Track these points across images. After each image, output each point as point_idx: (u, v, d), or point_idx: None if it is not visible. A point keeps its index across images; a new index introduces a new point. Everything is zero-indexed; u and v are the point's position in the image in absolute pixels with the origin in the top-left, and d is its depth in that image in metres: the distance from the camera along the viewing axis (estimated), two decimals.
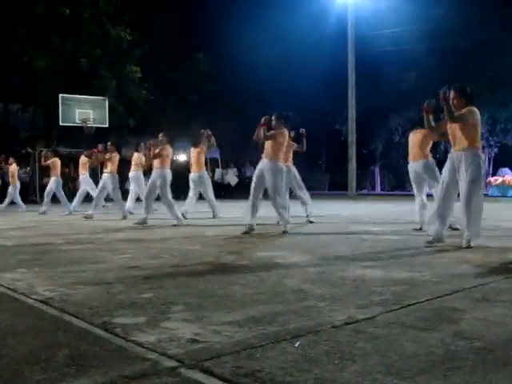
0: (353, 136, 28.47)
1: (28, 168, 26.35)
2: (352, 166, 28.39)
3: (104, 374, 2.44)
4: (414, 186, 9.47)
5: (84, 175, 16.59)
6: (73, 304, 3.80)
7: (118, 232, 9.70)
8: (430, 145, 9.35)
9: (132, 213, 14.13)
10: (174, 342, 2.87)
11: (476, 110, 6.94)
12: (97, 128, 25.92)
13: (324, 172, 46.84)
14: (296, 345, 2.79)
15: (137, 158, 15.35)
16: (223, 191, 29.61)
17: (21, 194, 23.87)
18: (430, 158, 9.26)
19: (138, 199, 15.30)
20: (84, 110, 25.41)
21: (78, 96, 25.50)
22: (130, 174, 15.56)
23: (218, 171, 30.55)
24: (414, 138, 9.37)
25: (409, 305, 3.65)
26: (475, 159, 6.74)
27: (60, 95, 24.83)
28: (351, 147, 28.52)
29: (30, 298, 4.06)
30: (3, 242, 8.19)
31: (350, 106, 28.35)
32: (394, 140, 37.19)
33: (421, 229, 8.98)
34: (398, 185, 39.71)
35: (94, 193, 15.38)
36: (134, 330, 3.10)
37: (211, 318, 3.37)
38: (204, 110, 31.37)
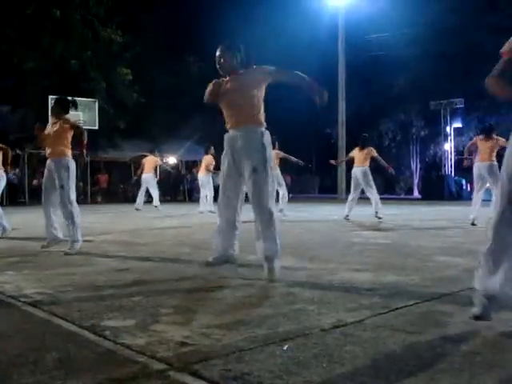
0: (343, 140, 28.57)
1: (17, 170, 26.26)
2: (342, 169, 28.46)
3: (93, 377, 2.44)
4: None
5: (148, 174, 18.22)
6: (62, 307, 3.80)
7: (107, 234, 9.68)
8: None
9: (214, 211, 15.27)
10: (163, 345, 2.88)
11: None
12: (87, 130, 25.83)
13: (314, 175, 46.96)
14: (284, 348, 2.80)
15: (208, 160, 16.90)
16: (214, 194, 29.58)
17: (10, 195, 23.72)
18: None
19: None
20: (74, 112, 25.13)
21: (67, 98, 25.41)
22: (200, 177, 17.30)
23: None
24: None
25: (397, 308, 3.66)
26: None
27: (50, 97, 24.71)
28: (341, 151, 28.60)
29: (18, 301, 4.04)
30: None
31: (340, 110, 28.44)
32: (384, 144, 37.32)
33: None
34: (388, 189, 39.83)
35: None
36: (123, 333, 3.10)
37: (200, 320, 3.38)
38: (195, 113, 31.36)
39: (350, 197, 12.93)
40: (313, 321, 3.36)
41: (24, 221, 13.22)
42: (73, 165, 7.42)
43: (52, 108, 7.80)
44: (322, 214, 15.71)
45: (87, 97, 25.98)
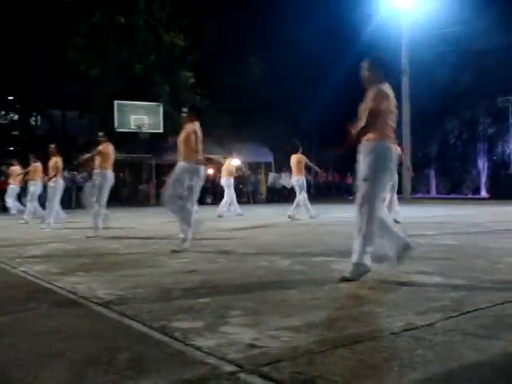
0: (407, 141, 28.12)
1: (85, 173, 26.87)
2: (407, 169, 28.04)
3: (164, 377, 2.48)
4: None
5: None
6: (132, 308, 3.87)
7: (173, 237, 9.79)
8: None
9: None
10: (232, 347, 2.90)
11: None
12: (151, 133, 26.29)
13: None
14: (354, 351, 2.78)
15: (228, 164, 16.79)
16: (276, 196, 29.67)
17: (78, 198, 24.30)
18: None
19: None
20: (139, 116, 25.83)
21: (132, 102, 25.93)
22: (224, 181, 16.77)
23: (272, 175, 30.61)
24: None
25: (468, 312, 3.58)
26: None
27: (115, 102, 25.30)
28: (406, 152, 28.16)
29: (90, 302, 4.15)
30: (63, 246, 8.39)
31: (403, 109, 28.01)
32: (450, 142, 36.57)
33: None
34: (454, 188, 38.98)
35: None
36: (193, 334, 3.14)
37: (269, 322, 3.39)
38: (257, 115, 31.47)
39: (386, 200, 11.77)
40: (382, 324, 3.32)
41: (88, 223, 13.48)
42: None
43: (187, 116, 7.91)
44: None
45: (151, 101, 26.43)
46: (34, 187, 14.89)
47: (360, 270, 4.80)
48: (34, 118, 32.88)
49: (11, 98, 30.67)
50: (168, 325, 3.37)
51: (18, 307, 4.05)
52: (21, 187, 17.04)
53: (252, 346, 2.92)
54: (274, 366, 2.58)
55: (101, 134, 10.62)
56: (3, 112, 31.10)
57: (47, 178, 13.01)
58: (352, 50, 31.18)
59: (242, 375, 2.49)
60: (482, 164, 38.30)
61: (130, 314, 3.67)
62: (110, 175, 10.26)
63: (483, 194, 35.07)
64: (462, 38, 30.14)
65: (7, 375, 2.59)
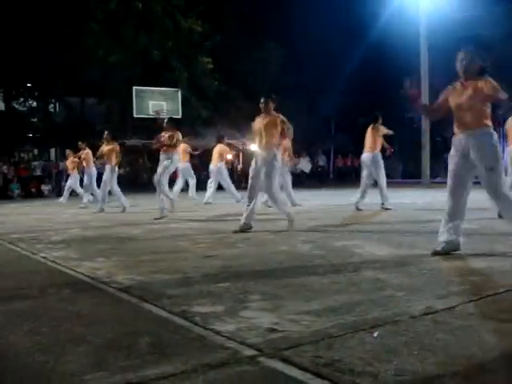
0: (426, 123, 27.88)
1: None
2: (425, 153, 27.82)
3: (185, 361, 2.48)
4: None
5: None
6: (152, 293, 3.88)
7: (193, 222, 9.83)
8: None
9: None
10: (252, 331, 2.90)
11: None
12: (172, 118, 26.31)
13: (397, 160, 46.21)
14: (375, 335, 2.77)
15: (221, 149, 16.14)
16: (294, 180, 29.62)
17: (98, 184, 24.61)
18: None
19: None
20: (157, 102, 25.80)
21: (151, 88, 25.93)
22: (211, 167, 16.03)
23: None
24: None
25: (488, 295, 3.56)
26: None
27: (134, 88, 25.31)
28: (424, 135, 27.95)
29: (110, 287, 4.17)
30: (82, 232, 8.44)
31: (423, 93, 27.77)
32: None
33: None
34: None
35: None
36: (213, 319, 3.15)
37: (289, 307, 3.38)
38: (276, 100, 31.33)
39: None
40: (402, 307, 3.30)
41: (110, 209, 13.57)
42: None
43: (264, 106, 8.44)
44: (406, 199, 15.35)
45: (170, 87, 26.41)
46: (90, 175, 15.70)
47: None
48: (52, 105, 32.99)
49: (30, 85, 30.77)
50: (188, 309, 3.38)
51: (38, 292, 4.08)
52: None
53: (272, 330, 2.92)
54: (295, 350, 2.58)
55: (165, 120, 11.82)
56: (22, 99, 31.20)
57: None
58: (369, 36, 31.00)
59: (263, 359, 2.49)
60: (502, 148, 37.87)
61: (150, 299, 3.68)
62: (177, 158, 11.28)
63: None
64: (481, 22, 29.70)
65: (29, 359, 2.61)
